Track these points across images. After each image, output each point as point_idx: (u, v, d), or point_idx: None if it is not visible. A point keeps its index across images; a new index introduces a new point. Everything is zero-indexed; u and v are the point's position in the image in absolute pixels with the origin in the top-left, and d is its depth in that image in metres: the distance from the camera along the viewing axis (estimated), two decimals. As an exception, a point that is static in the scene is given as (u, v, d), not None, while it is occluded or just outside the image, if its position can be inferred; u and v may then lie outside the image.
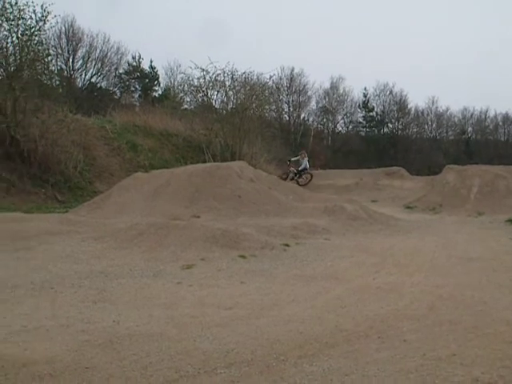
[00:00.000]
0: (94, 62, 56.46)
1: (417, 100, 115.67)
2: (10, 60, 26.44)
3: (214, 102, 38.64)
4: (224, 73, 36.29)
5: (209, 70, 36.11)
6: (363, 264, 11.64)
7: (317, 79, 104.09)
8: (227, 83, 36.92)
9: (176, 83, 54.23)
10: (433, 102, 77.57)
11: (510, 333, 6.72)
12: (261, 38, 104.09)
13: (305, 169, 34.07)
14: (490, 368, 5.50)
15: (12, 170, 24.80)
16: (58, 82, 34.52)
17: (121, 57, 59.84)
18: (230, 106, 37.84)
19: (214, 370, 5.52)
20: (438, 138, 77.18)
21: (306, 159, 34.16)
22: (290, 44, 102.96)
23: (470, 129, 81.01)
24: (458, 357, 5.85)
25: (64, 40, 53.09)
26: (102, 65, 57.48)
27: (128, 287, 9.34)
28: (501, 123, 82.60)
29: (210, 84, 36.93)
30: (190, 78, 37.55)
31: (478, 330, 6.85)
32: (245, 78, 36.98)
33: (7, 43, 26.24)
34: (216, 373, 5.44)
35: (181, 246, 12.25)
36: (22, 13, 25.68)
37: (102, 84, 59.61)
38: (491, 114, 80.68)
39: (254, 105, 37.38)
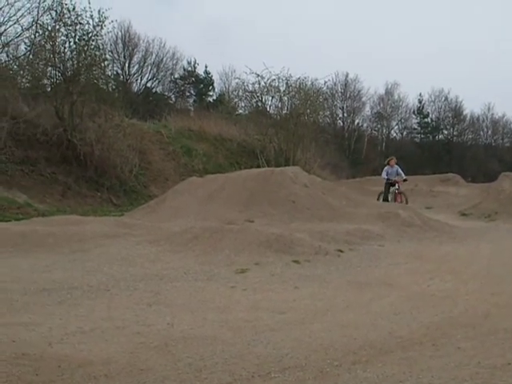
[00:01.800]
0: (149, 67, 57.12)
1: (472, 106, 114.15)
2: (68, 65, 26.89)
3: (268, 107, 38.82)
4: (279, 78, 36.43)
5: (263, 75, 36.28)
6: (417, 271, 11.56)
7: (371, 85, 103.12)
8: (282, 88, 37.04)
9: (230, 88, 54.43)
10: (489, 109, 76.75)
11: None
12: (317, 43, 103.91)
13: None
14: (546, 377, 5.43)
15: (68, 173, 25.19)
16: (114, 87, 35.09)
17: (176, 62, 60.39)
18: (284, 112, 37.94)
19: (268, 374, 5.54)
20: (493, 144, 76.34)
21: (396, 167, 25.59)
22: (345, 49, 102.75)
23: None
24: (514, 365, 5.80)
25: (120, 45, 53.83)
26: (157, 70, 58.08)
27: (182, 290, 9.42)
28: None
29: (265, 89, 37.08)
30: (245, 84, 37.77)
31: (536, 339, 6.77)
32: (299, 83, 37.03)
33: (65, 48, 26.72)
34: (270, 377, 5.46)
35: (235, 250, 12.29)
36: (79, 18, 26.19)
37: (158, 89, 60.25)
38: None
39: (308, 110, 37.39)
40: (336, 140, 59.35)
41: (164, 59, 58.28)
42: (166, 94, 62.13)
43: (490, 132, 78.10)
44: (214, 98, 63.30)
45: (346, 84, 69.37)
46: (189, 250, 12.55)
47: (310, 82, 37.51)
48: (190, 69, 63.75)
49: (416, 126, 76.27)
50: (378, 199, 25.95)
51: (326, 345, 6.48)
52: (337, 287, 9.96)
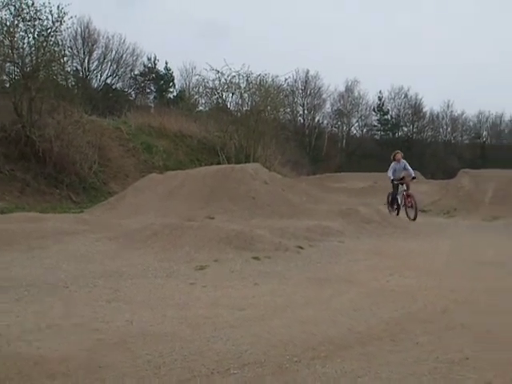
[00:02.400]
0: (109, 64, 56.88)
1: (432, 104, 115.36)
2: (26, 60, 26.65)
3: (228, 104, 38.82)
4: (239, 75, 36.44)
5: (224, 71, 36.25)
6: (377, 267, 11.61)
7: (332, 82, 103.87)
8: (242, 85, 37.03)
9: (191, 85, 54.33)
10: (448, 106, 77.66)
11: (525, 337, 6.70)
12: (277, 41, 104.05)
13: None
14: (503, 372, 5.48)
15: (27, 169, 24.97)
16: (73, 83, 34.86)
17: (136, 58, 60.18)
18: (244, 109, 37.94)
19: (227, 370, 5.53)
20: (452, 141, 77.25)
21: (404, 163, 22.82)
22: (305, 47, 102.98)
23: (485, 133, 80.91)
24: (471, 360, 5.83)
25: (80, 41, 53.53)
26: (117, 66, 57.82)
27: (142, 287, 9.37)
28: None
29: (225, 86, 37.04)
30: (205, 80, 37.70)
31: (492, 334, 6.83)
32: (260, 80, 37.05)
33: (24, 44, 26.47)
34: (229, 373, 5.45)
35: (195, 247, 12.26)
36: (38, 13, 25.98)
37: (118, 85, 60.02)
38: (506, 118, 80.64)
39: (268, 107, 37.44)
40: (296, 137, 59.53)
41: (124, 55, 58.09)
42: (126, 90, 61.94)
43: (449, 129, 79.00)
44: (175, 94, 63.27)
45: (306, 81, 69.71)
46: (148, 247, 12.50)
47: (270, 79, 37.58)
48: (150, 65, 63.55)
49: (376, 123, 76.92)
50: (387, 201, 23.45)
51: (285, 341, 6.48)
52: (296, 283, 9.96)
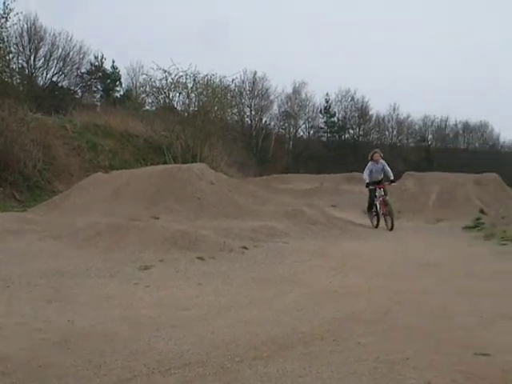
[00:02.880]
0: (55, 61, 56.08)
1: (378, 107, 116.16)
2: (-30, 57, 26.23)
3: (175, 103, 38.63)
4: (186, 75, 36.25)
5: (171, 71, 36.07)
6: (321, 268, 11.68)
7: (279, 84, 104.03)
8: (189, 85, 36.89)
9: (138, 84, 53.95)
10: (394, 109, 78.35)
11: (466, 338, 6.77)
12: (225, 41, 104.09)
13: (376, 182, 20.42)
14: (443, 372, 5.53)
15: (-32, 167, 24.56)
16: (18, 80, 34.35)
17: (83, 56, 59.52)
18: (191, 109, 37.81)
19: (168, 370, 5.51)
20: (398, 144, 77.90)
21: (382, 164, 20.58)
22: (252, 48, 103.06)
23: (430, 136, 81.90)
24: (411, 360, 5.89)
25: (26, 38, 52.63)
26: (63, 64, 57.08)
27: (84, 287, 9.30)
28: (461, 131, 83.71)
29: (172, 86, 36.86)
30: (152, 80, 37.47)
31: (434, 335, 6.89)
32: (207, 80, 36.97)
33: (-33, 40, 26.07)
34: (170, 373, 5.43)
35: (139, 247, 12.21)
36: (-18, 9, 25.53)
37: (64, 83, 59.24)
38: (451, 122, 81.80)
39: (215, 107, 37.39)
40: (244, 138, 59.55)
41: (71, 53, 57.38)
42: (72, 88, 61.22)
43: (395, 132, 79.72)
44: (121, 93, 62.79)
45: (254, 82, 69.68)
46: (92, 247, 12.42)
47: (217, 79, 37.52)
48: (96, 63, 63.00)
49: (323, 125, 77.23)
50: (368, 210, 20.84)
51: (227, 341, 6.48)
52: (241, 284, 9.98)
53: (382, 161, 20.32)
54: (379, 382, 5.27)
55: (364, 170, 20.49)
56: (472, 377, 5.40)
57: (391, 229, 18.92)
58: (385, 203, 19.52)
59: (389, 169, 20.29)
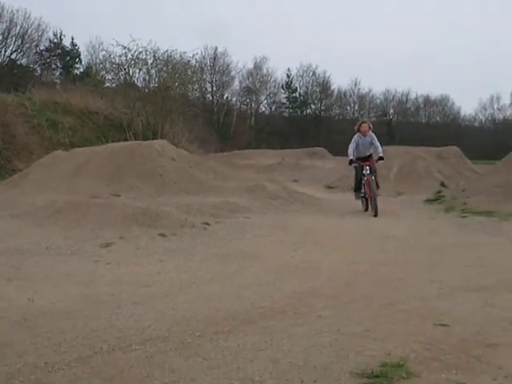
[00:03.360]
0: (14, 39, 55.54)
1: (340, 81, 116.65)
2: None
3: (136, 80, 38.26)
4: (146, 51, 35.91)
5: (131, 47, 35.71)
6: (282, 242, 11.72)
7: (240, 59, 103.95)
8: (149, 61, 36.57)
9: (98, 61, 53.52)
10: (355, 84, 78.72)
11: (424, 308, 6.86)
12: (185, 16, 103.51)
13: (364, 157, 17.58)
14: (402, 343, 5.59)
15: None
16: (-25, 58, 33.86)
17: (42, 33, 58.98)
18: (152, 85, 37.51)
19: (129, 346, 5.50)
20: (360, 119, 78.21)
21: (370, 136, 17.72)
22: (213, 23, 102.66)
23: (391, 111, 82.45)
24: (371, 332, 5.94)
25: (-17, 15, 51.98)
26: (22, 41, 56.55)
27: (44, 265, 9.25)
28: (422, 105, 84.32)
29: (132, 62, 36.52)
30: (112, 56, 37.08)
31: (393, 306, 6.97)
32: (167, 56, 36.68)
33: None
34: (131, 349, 5.42)
35: (100, 225, 12.15)
36: None
37: (23, 61, 58.72)
38: (412, 96, 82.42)
39: (176, 84, 37.13)
40: (205, 114, 59.26)
41: (29, 30, 56.80)
42: (32, 66, 60.64)
43: (356, 107, 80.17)
44: (81, 70, 62.27)
45: (215, 58, 69.58)
46: (52, 225, 12.35)
47: (178, 55, 37.24)
48: (56, 40, 62.40)
49: (285, 101, 77.46)
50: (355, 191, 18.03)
51: (188, 316, 6.48)
52: (202, 260, 9.99)
53: (370, 133, 17.50)
54: (340, 354, 5.30)
55: (350, 143, 17.45)
56: (431, 347, 5.46)
57: (375, 215, 16.11)
58: (369, 184, 16.68)
59: (378, 143, 17.43)
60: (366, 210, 17.27)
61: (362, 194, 17.42)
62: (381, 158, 17.14)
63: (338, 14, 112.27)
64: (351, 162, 17.24)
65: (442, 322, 6.21)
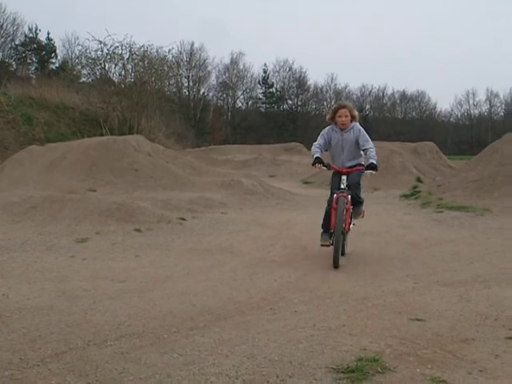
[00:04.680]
0: (-12, 33, 55.11)
1: (316, 77, 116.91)
2: None
3: (111, 75, 38.13)
4: (122, 45, 35.81)
5: (106, 42, 35.61)
6: (259, 238, 11.74)
7: (217, 54, 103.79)
8: (125, 56, 36.47)
9: (73, 56, 53.32)
10: (332, 79, 78.97)
11: (399, 303, 6.89)
12: (160, 11, 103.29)
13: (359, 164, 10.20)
14: (378, 337, 5.61)
15: None
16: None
17: (17, 28, 58.62)
18: (128, 80, 37.41)
19: (104, 341, 5.47)
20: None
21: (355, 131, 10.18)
22: (190, 17, 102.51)
23: (368, 106, 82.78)
24: (347, 327, 5.96)
25: (-43, 9, 51.62)
26: (-3, 36, 56.11)
27: (19, 261, 9.19)
28: (398, 101, 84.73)
29: (108, 57, 36.40)
30: (88, 51, 36.96)
31: (368, 301, 7.00)
32: (143, 51, 36.60)
33: None
34: (106, 345, 5.39)
35: (75, 220, 12.09)
36: None
37: (-2, 55, 58.26)
38: (389, 91, 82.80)
39: (152, 79, 37.06)
40: (181, 109, 59.26)
41: (4, 25, 56.47)
42: (7, 60, 60.30)
43: (333, 102, 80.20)
44: (57, 65, 62.00)
45: (191, 53, 69.45)
46: (27, 220, 12.27)
47: (154, 50, 37.17)
48: (31, 35, 62.07)
49: (261, 96, 77.48)
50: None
51: (164, 312, 6.47)
52: (178, 255, 9.98)
53: (355, 126, 10.22)
54: (315, 349, 5.31)
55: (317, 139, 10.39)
56: (406, 342, 5.49)
57: (336, 265, 9.23)
58: (338, 210, 9.58)
59: (370, 143, 10.07)
60: (332, 244, 9.54)
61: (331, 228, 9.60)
62: (372, 167, 9.76)
63: (312, 10, 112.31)
64: (318, 161, 9.86)
65: (418, 317, 6.25)
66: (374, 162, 9.76)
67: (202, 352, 5.26)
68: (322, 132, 10.29)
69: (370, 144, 9.97)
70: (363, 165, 10.11)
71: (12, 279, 8.04)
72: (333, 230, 9.43)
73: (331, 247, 9.44)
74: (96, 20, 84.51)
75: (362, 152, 10.04)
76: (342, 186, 9.79)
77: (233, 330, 5.86)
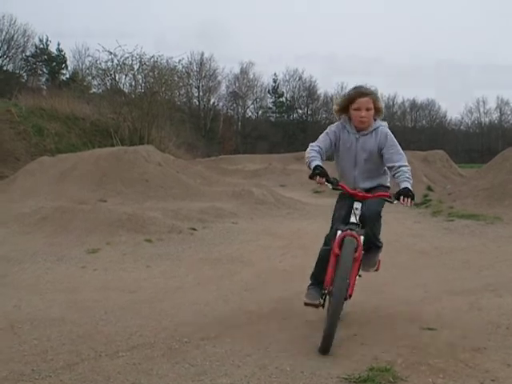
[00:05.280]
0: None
1: (326, 86, 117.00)
2: None
3: (122, 85, 38.21)
4: (132, 56, 35.89)
5: (117, 53, 35.70)
6: (269, 247, 11.72)
7: (227, 64, 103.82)
8: (135, 67, 36.55)
9: (84, 66, 53.51)
10: (342, 88, 78.74)
11: (410, 312, 6.88)
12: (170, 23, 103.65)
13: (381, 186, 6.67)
14: (389, 347, 5.60)
15: None
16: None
17: (28, 39, 58.93)
18: (138, 90, 37.48)
19: (116, 352, 5.49)
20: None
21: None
22: (199, 28, 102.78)
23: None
24: (359, 336, 5.96)
25: (-32, 22, 51.91)
26: (8, 47, 56.43)
27: (30, 272, 9.23)
28: (408, 110, 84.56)
29: (118, 67, 36.49)
30: (98, 62, 37.05)
31: (380, 311, 6.99)
32: (154, 61, 36.67)
33: None
34: (118, 356, 5.41)
35: (86, 231, 12.10)
36: None
37: (9, 67, 58.58)
38: (399, 100, 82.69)
39: (162, 89, 37.12)
40: (192, 119, 59.25)
41: (15, 36, 56.73)
42: (18, 72, 60.55)
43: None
44: (68, 76, 62.19)
45: (201, 63, 69.54)
46: (38, 231, 12.30)
47: (164, 61, 37.22)
48: (42, 46, 62.34)
49: (271, 106, 77.46)
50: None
51: (175, 322, 6.49)
52: (189, 265, 9.98)
53: (380, 127, 6.69)
54: (327, 359, 5.32)
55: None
56: (418, 351, 5.49)
57: (324, 348, 5.64)
58: (338, 261, 5.94)
59: (402, 159, 6.45)
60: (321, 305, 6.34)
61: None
62: (408, 195, 6.11)
63: (321, 17, 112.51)
64: (319, 172, 6.21)
65: (429, 326, 6.24)
66: (410, 186, 6.09)
67: (213, 362, 5.27)
68: (328, 129, 6.72)
69: (403, 159, 6.39)
70: (389, 188, 6.73)
71: (23, 290, 8.08)
72: (327, 289, 6.00)
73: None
74: (107, 31, 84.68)
75: (386, 168, 6.55)
76: (353, 220, 6.18)
77: (244, 340, 5.87)
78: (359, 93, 6.42)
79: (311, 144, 6.57)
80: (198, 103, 70.18)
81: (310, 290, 6.38)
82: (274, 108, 77.39)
